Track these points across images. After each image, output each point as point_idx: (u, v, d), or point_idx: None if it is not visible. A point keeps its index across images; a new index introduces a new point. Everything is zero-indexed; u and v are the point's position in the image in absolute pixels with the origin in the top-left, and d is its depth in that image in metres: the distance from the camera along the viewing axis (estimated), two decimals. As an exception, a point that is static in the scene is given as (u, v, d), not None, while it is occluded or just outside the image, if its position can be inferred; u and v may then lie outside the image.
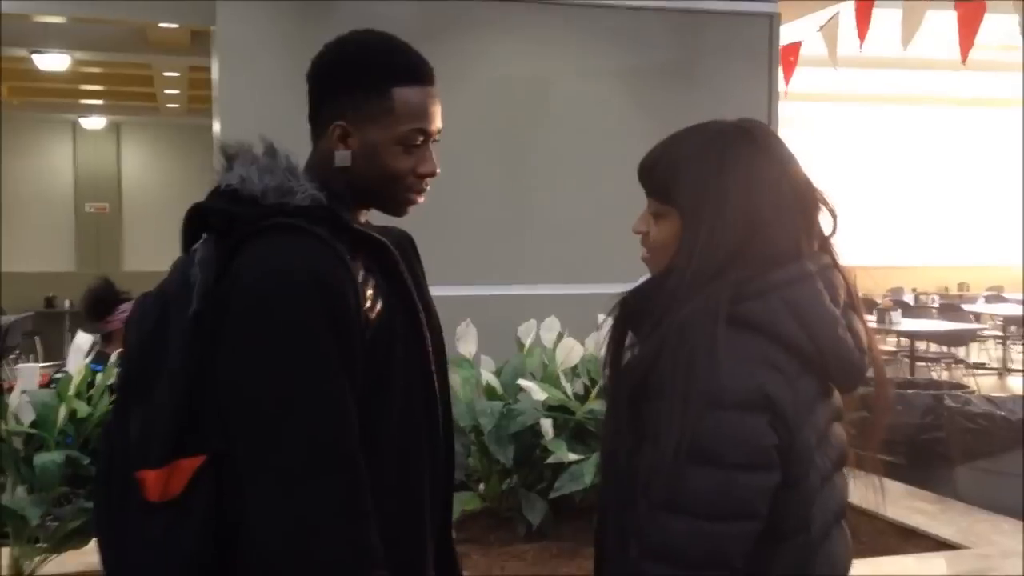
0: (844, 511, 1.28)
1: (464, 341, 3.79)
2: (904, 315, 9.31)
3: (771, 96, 5.86)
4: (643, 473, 1.16)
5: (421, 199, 1.35)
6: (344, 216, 1.27)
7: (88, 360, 3.19)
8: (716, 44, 5.81)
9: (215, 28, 5.33)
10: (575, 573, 3.22)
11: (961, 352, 9.49)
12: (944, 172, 14.26)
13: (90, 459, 2.80)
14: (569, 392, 3.68)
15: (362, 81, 1.30)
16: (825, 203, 1.27)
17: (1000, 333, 10.43)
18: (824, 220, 1.27)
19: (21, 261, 11.24)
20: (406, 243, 1.43)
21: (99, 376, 3.16)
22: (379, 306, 1.26)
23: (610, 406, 1.32)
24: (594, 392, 3.70)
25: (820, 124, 12.97)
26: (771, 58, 5.89)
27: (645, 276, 1.30)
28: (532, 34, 5.56)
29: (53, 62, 7.87)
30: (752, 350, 1.15)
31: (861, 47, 5.57)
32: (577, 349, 3.75)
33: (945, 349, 9.65)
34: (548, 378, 3.74)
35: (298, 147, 1.33)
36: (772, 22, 5.90)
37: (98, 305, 4.09)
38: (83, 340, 3.13)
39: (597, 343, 3.74)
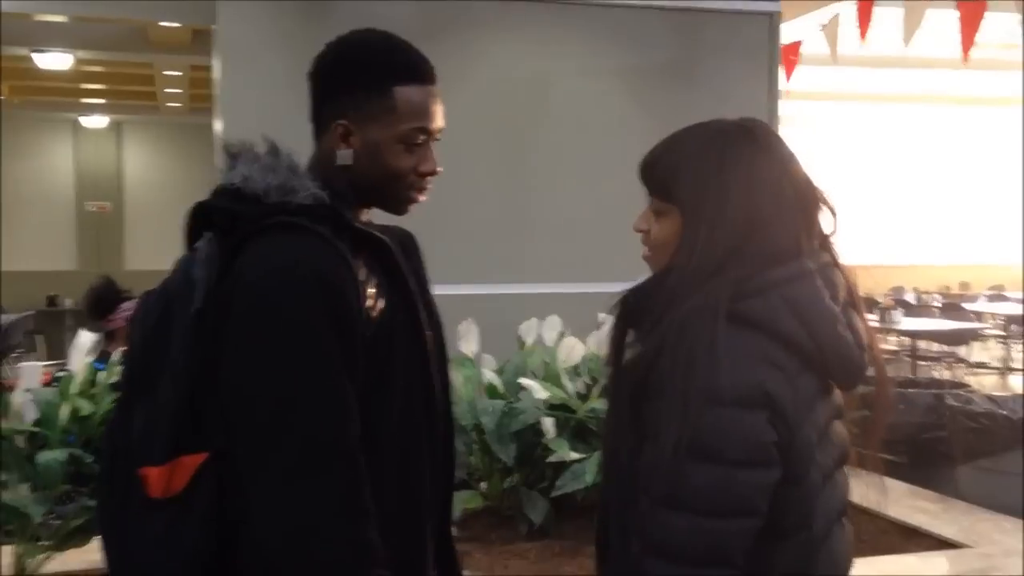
0: (846, 509, 1.28)
1: (466, 340, 3.79)
2: (906, 314, 9.32)
3: (771, 95, 5.86)
4: (643, 471, 1.16)
5: (423, 198, 1.35)
6: (346, 215, 1.28)
7: (90, 359, 3.20)
8: (717, 43, 5.80)
9: (216, 27, 5.33)
10: (577, 572, 3.22)
11: (963, 351, 9.48)
12: (945, 171, 14.26)
13: (93, 457, 2.80)
14: (570, 391, 3.69)
15: (363, 80, 1.30)
16: (825, 202, 1.27)
17: (1002, 332, 10.43)
18: (825, 219, 1.28)
19: (23, 260, 11.24)
20: (408, 242, 1.44)
21: (101, 374, 3.16)
22: (380, 305, 1.27)
23: (611, 404, 1.32)
24: (595, 391, 3.71)
25: (821, 123, 12.96)
26: (772, 57, 5.89)
27: (646, 275, 1.31)
28: (532, 33, 5.56)
29: (54, 61, 7.87)
30: (752, 347, 1.16)
31: (862, 44, 5.57)
32: (578, 348, 3.75)
33: (947, 348, 9.64)
34: (549, 377, 3.74)
35: (299, 145, 1.33)
36: (773, 21, 5.90)
37: (100, 304, 4.10)
38: (85, 339, 3.14)
39: (598, 342, 3.75)
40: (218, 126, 5.52)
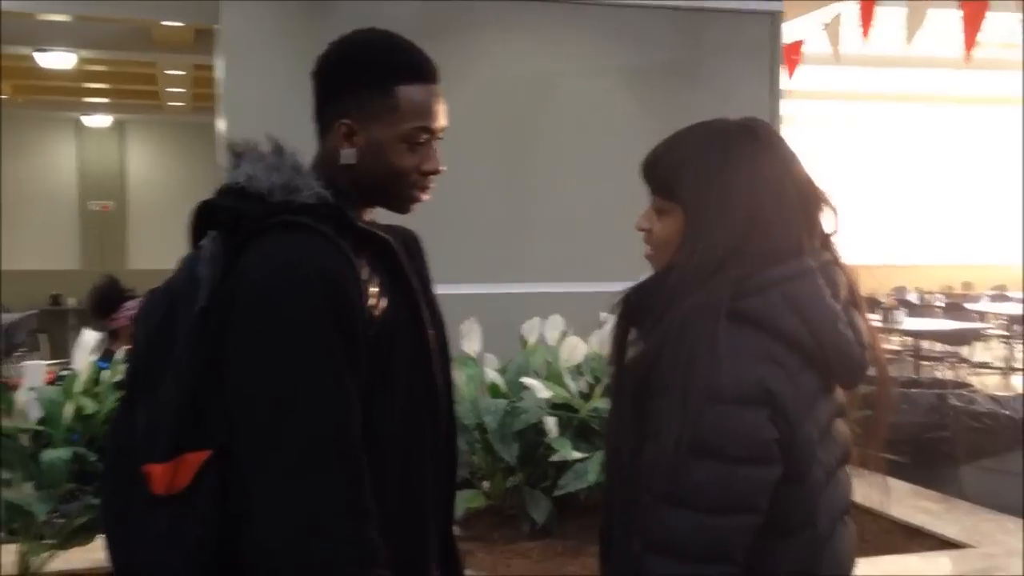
0: (848, 507, 1.28)
1: (468, 339, 3.80)
2: (908, 314, 9.31)
3: (773, 94, 5.85)
4: (645, 468, 1.17)
5: (426, 196, 1.36)
6: (349, 214, 1.28)
7: (94, 357, 3.20)
8: (719, 42, 5.80)
9: (219, 27, 5.34)
10: (579, 571, 3.23)
11: (965, 351, 9.47)
12: (948, 170, 14.24)
13: (96, 456, 2.80)
14: (573, 390, 3.69)
15: (366, 79, 1.30)
16: (827, 202, 1.27)
17: (1004, 332, 10.41)
18: (826, 219, 1.28)
19: (26, 259, 11.26)
20: (412, 242, 1.44)
21: (105, 373, 3.17)
22: (383, 304, 1.27)
23: (614, 403, 1.33)
24: (598, 390, 3.71)
25: (823, 122, 12.95)
26: (774, 56, 5.89)
27: (648, 274, 1.31)
28: (535, 32, 5.56)
29: (57, 60, 7.88)
30: (753, 345, 1.16)
31: (864, 43, 5.57)
32: (581, 347, 3.75)
33: (949, 348, 9.63)
34: (552, 376, 3.75)
35: (301, 144, 1.34)
36: (775, 20, 5.89)
37: (103, 303, 4.11)
38: (89, 337, 3.14)
39: (601, 341, 3.75)
40: (221, 125, 5.52)
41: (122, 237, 12.23)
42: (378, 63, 1.31)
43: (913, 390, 5.06)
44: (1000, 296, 11.78)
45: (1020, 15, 5.23)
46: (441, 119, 1.33)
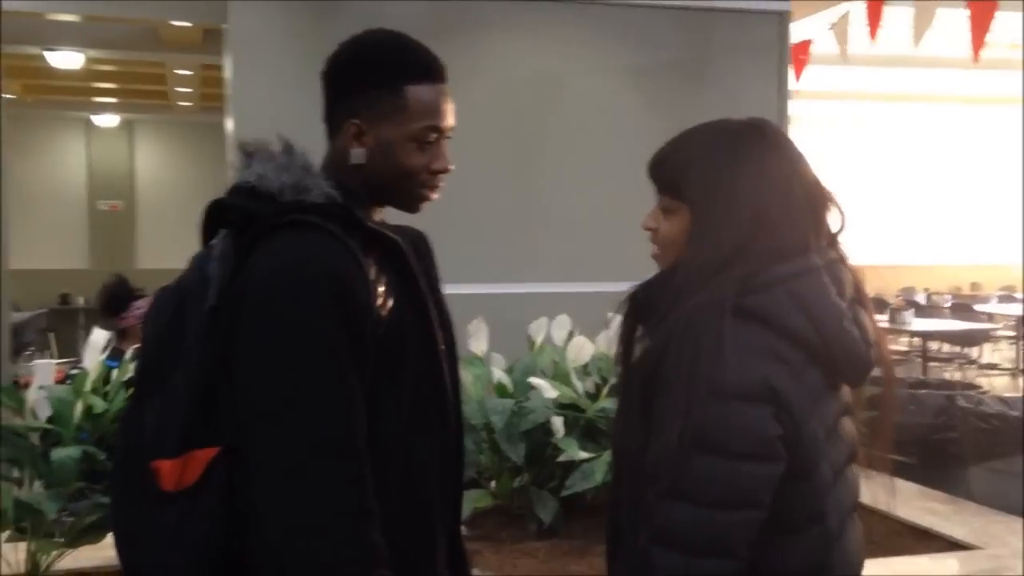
0: (856, 505, 1.29)
1: (475, 339, 3.80)
2: (916, 315, 9.28)
3: (781, 94, 5.84)
4: (650, 464, 1.17)
5: (435, 195, 1.36)
6: (358, 214, 1.29)
7: (103, 356, 3.22)
8: (726, 42, 5.80)
9: (227, 26, 5.35)
10: (586, 571, 3.23)
11: (974, 352, 9.44)
12: (956, 170, 14.19)
13: (106, 454, 2.81)
14: (580, 390, 3.69)
15: (375, 79, 1.31)
16: (834, 202, 1.28)
17: (1013, 333, 10.37)
18: (833, 219, 1.28)
19: (35, 258, 11.30)
20: (420, 243, 1.45)
21: (114, 372, 3.18)
22: (390, 303, 1.27)
23: (621, 401, 1.33)
24: (605, 390, 3.71)
25: (831, 122, 12.92)
26: (782, 56, 5.87)
27: (655, 272, 1.32)
28: (542, 32, 5.56)
29: (66, 60, 7.91)
30: (758, 341, 1.17)
31: (872, 44, 5.56)
32: (588, 347, 3.75)
33: (958, 349, 9.60)
34: (559, 376, 3.75)
35: (310, 143, 1.35)
36: (783, 20, 5.88)
37: (113, 302, 4.13)
38: (99, 337, 3.16)
39: (608, 341, 3.75)
40: (229, 125, 5.54)
41: (131, 237, 12.27)
42: (387, 63, 1.32)
43: (921, 391, 5.04)
44: (1009, 297, 11.73)
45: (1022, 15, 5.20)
46: (450, 118, 1.34)
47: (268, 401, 1.19)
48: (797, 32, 6.15)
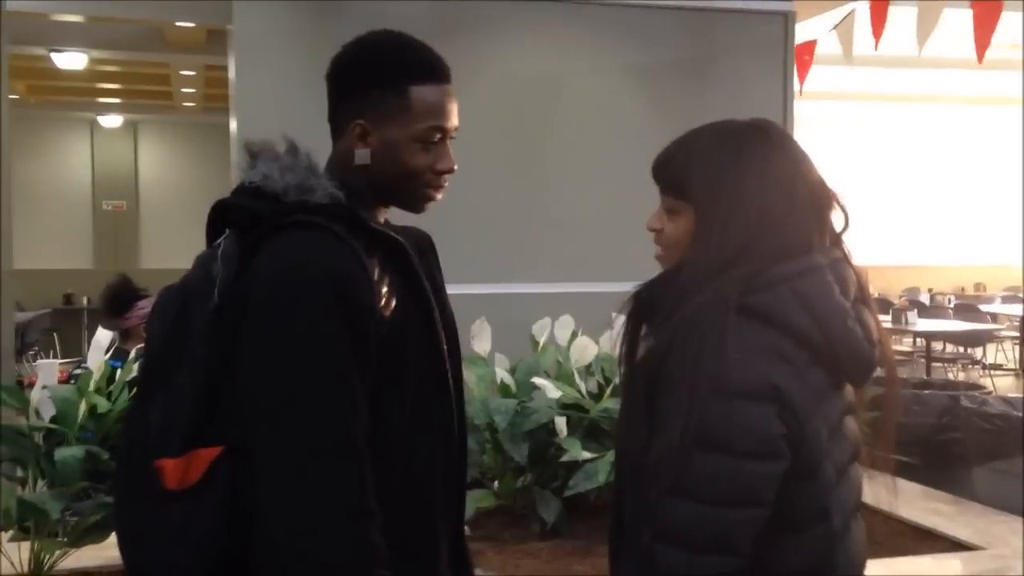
0: (859, 504, 1.29)
1: (479, 339, 3.80)
2: (920, 315, 9.26)
3: (786, 94, 5.84)
4: (653, 462, 1.17)
5: (439, 195, 1.37)
6: (362, 214, 1.29)
7: (107, 356, 3.22)
8: (731, 42, 5.79)
9: (231, 27, 5.36)
10: (589, 571, 3.23)
11: (978, 353, 9.43)
12: (960, 171, 14.17)
13: (110, 454, 2.82)
14: (583, 390, 3.69)
15: (380, 80, 1.31)
16: (838, 202, 1.28)
17: (1017, 334, 10.35)
18: (837, 219, 1.29)
19: (39, 258, 11.31)
20: (425, 244, 1.45)
21: (118, 372, 3.18)
22: (393, 304, 1.27)
23: (625, 399, 1.33)
24: (608, 390, 3.71)
25: (835, 122, 12.91)
26: (786, 56, 5.87)
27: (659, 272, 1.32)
28: (545, 32, 5.56)
29: (71, 61, 7.93)
30: (761, 340, 1.17)
31: (876, 46, 5.55)
32: (591, 347, 3.75)
33: (961, 350, 9.59)
34: (562, 376, 3.75)
35: (313, 144, 1.35)
36: (787, 20, 5.88)
37: (116, 302, 4.13)
38: (103, 336, 3.16)
39: (611, 341, 3.75)
40: (233, 125, 5.54)
41: (135, 237, 12.29)
42: (391, 64, 1.32)
43: (925, 392, 5.03)
44: (1013, 297, 11.71)
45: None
46: (454, 118, 1.34)
47: (270, 401, 1.20)
48: (801, 32, 6.14)
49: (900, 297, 11.25)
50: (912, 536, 3.66)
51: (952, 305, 10.87)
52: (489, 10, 5.43)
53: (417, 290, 1.32)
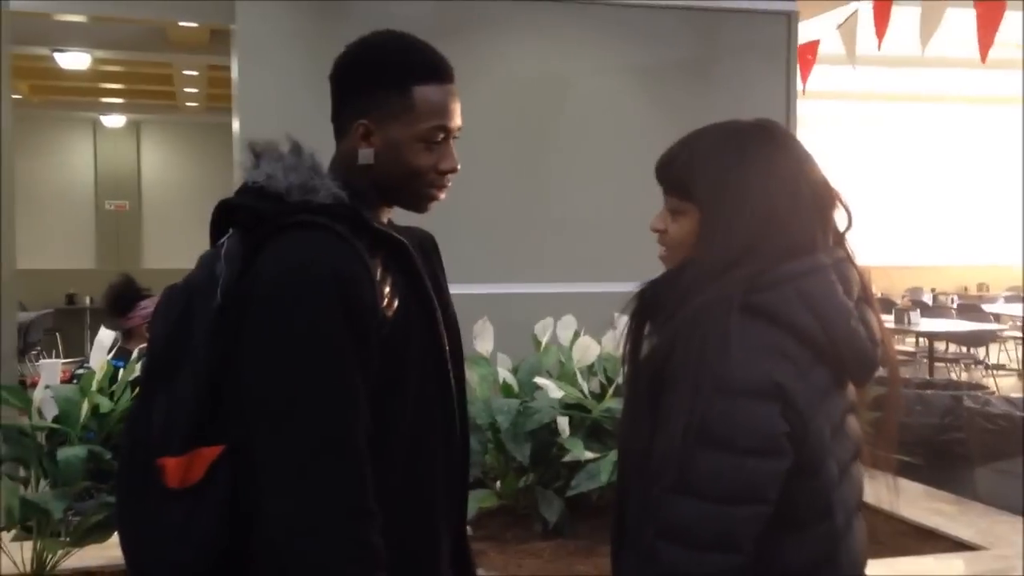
0: (860, 503, 1.30)
1: (481, 339, 3.80)
2: (923, 315, 9.26)
3: (789, 94, 5.83)
4: (655, 460, 1.18)
5: (443, 195, 1.37)
6: (365, 214, 1.29)
7: (110, 356, 3.23)
8: (734, 42, 5.79)
9: (234, 27, 5.36)
10: (591, 571, 3.23)
11: (981, 353, 9.42)
12: (963, 171, 14.15)
13: (112, 454, 2.82)
14: (585, 390, 3.69)
15: (383, 80, 1.31)
16: (841, 202, 1.28)
17: (1020, 334, 10.34)
18: (840, 219, 1.29)
19: (42, 258, 11.33)
20: (428, 244, 1.45)
21: (121, 372, 3.19)
22: (396, 304, 1.28)
23: (628, 398, 1.33)
24: (610, 390, 3.71)
25: (838, 122, 12.90)
26: (789, 56, 5.87)
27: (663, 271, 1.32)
28: (549, 32, 5.56)
29: (74, 61, 7.94)
30: (764, 339, 1.17)
31: (880, 46, 5.54)
32: (593, 347, 3.75)
33: (964, 350, 9.58)
34: (565, 376, 3.75)
35: (316, 143, 1.35)
36: (790, 20, 5.87)
37: (119, 301, 4.14)
38: (105, 336, 3.17)
39: (613, 341, 3.75)
40: (236, 125, 5.55)
41: (137, 236, 12.31)
42: (394, 64, 1.32)
43: (928, 392, 5.03)
44: (1016, 297, 11.69)
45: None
46: (457, 118, 1.34)
47: (271, 400, 1.20)
48: (804, 32, 6.14)
49: (903, 297, 11.25)
50: (914, 536, 3.66)
51: (955, 305, 10.86)
52: (492, 10, 5.43)
53: (420, 290, 1.32)
